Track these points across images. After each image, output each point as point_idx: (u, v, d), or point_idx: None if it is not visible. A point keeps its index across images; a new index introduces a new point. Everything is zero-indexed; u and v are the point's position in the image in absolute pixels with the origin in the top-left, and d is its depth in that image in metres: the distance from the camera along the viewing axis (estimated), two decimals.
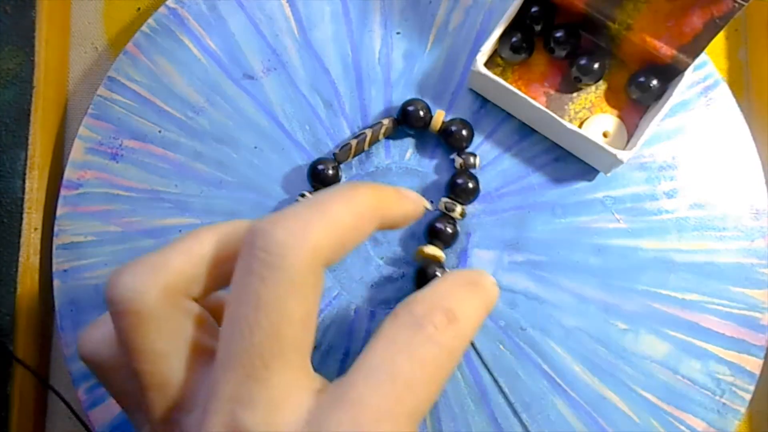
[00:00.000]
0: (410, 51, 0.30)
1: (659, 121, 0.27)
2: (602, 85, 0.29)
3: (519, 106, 0.28)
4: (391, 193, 0.19)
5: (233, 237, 0.18)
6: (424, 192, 0.29)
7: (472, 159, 0.29)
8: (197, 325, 0.17)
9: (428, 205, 0.21)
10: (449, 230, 0.28)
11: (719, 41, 0.32)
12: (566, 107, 0.29)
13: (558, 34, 0.28)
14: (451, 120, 0.29)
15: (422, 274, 0.28)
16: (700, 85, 0.30)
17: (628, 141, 0.28)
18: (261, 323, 0.15)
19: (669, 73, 0.27)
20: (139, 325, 0.16)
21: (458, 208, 0.28)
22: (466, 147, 0.29)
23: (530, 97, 0.27)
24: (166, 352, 0.17)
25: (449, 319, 0.17)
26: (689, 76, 0.27)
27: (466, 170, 0.29)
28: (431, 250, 0.28)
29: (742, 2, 0.23)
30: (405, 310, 0.17)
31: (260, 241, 0.16)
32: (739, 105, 0.30)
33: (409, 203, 0.20)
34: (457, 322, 0.17)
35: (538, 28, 0.28)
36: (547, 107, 0.28)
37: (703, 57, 0.30)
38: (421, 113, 0.28)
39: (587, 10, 0.27)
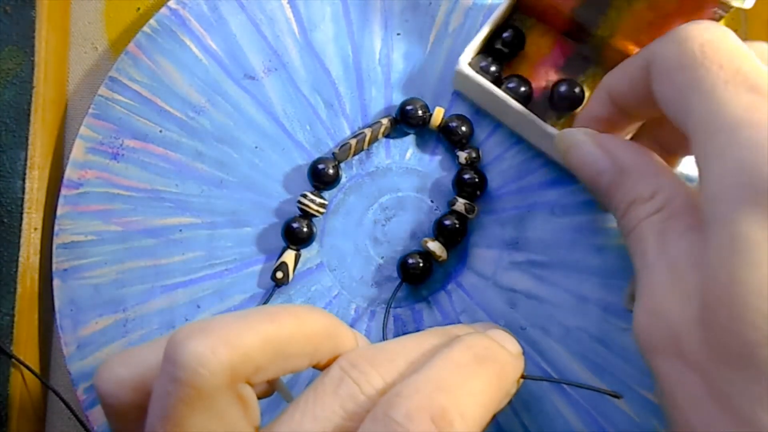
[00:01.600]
0: (410, 52, 0.30)
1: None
2: (586, 92, 0.29)
3: (501, 109, 0.28)
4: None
5: (312, 333, 0.16)
6: (424, 193, 0.30)
7: (474, 153, 0.29)
8: (243, 413, 0.16)
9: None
10: (458, 227, 0.28)
11: None
12: (549, 112, 0.29)
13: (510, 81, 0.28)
14: (451, 116, 0.29)
15: (404, 267, 0.28)
16: None
17: None
18: None
19: None
20: (192, 400, 0.15)
21: (476, 209, 0.28)
22: (467, 143, 0.29)
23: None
24: None
25: (439, 425, 0.14)
26: None
27: (472, 164, 0.29)
28: (434, 246, 0.28)
29: (722, 13, 0.23)
30: (383, 411, 0.14)
31: (355, 373, 0.15)
32: None
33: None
34: (449, 428, 0.14)
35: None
36: (530, 110, 0.28)
37: None
38: (420, 112, 0.29)
39: (572, 16, 0.27)
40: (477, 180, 0.28)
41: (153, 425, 0.15)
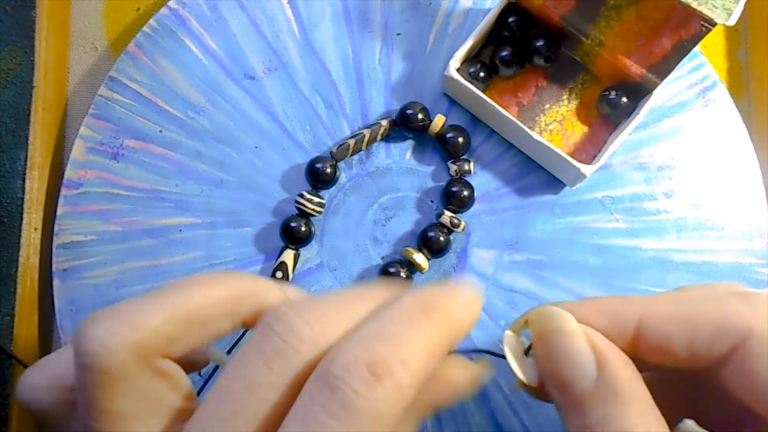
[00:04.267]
0: (410, 52, 0.30)
1: (625, 137, 0.27)
2: (574, 100, 0.29)
3: (489, 114, 0.28)
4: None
5: (224, 296, 0.17)
6: (424, 193, 0.30)
7: (466, 165, 0.29)
8: (168, 387, 0.16)
9: None
10: (441, 240, 0.28)
11: (719, 41, 0.32)
12: (537, 119, 0.29)
13: (539, 44, 0.28)
14: (449, 126, 0.29)
15: (385, 275, 0.28)
16: (699, 86, 0.30)
17: (594, 156, 0.28)
18: (247, 408, 0.14)
19: (639, 92, 0.27)
20: (104, 384, 0.15)
21: (462, 224, 0.28)
22: (462, 154, 0.29)
23: (502, 107, 0.27)
24: (130, 414, 0.15)
25: (377, 375, 0.14)
26: (686, 77, 0.27)
27: (461, 177, 0.29)
28: (417, 257, 0.28)
29: (709, 26, 0.23)
30: (324, 367, 0.14)
31: (279, 326, 0.15)
32: (738, 105, 0.30)
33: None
34: (389, 377, 0.14)
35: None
36: (517, 118, 0.28)
37: (701, 58, 0.30)
38: (419, 116, 0.29)
39: (562, 24, 0.27)
40: (465, 194, 0.28)
41: (85, 419, 0.15)
